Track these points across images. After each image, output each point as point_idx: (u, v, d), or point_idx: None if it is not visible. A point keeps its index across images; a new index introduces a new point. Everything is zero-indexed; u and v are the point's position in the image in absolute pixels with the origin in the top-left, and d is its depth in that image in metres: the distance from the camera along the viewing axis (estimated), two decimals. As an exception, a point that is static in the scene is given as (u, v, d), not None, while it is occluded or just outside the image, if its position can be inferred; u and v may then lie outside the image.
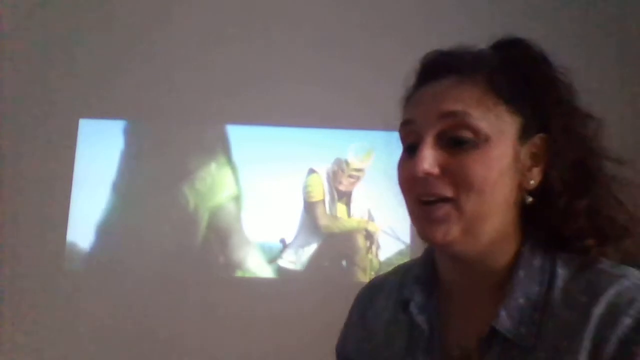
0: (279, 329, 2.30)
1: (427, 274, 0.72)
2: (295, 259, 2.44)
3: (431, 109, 0.64)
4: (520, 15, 2.40)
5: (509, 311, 0.62)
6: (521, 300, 0.62)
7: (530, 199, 0.65)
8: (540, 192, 0.65)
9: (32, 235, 2.42)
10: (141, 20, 2.57)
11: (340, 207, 2.50)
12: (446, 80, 0.65)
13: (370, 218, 2.47)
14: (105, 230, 2.45)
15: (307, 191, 2.48)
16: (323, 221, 2.47)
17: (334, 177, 2.49)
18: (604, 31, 2.49)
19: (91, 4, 2.59)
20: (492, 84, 0.64)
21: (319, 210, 2.47)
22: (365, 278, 2.40)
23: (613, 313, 0.56)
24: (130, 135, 2.53)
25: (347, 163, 2.49)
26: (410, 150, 0.66)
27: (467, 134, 0.62)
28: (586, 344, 0.56)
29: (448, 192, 0.62)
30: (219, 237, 2.45)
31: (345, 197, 2.50)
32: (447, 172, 0.62)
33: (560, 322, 0.59)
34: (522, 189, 0.65)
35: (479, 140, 0.62)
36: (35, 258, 2.40)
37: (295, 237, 2.46)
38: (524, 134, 0.65)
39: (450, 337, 0.68)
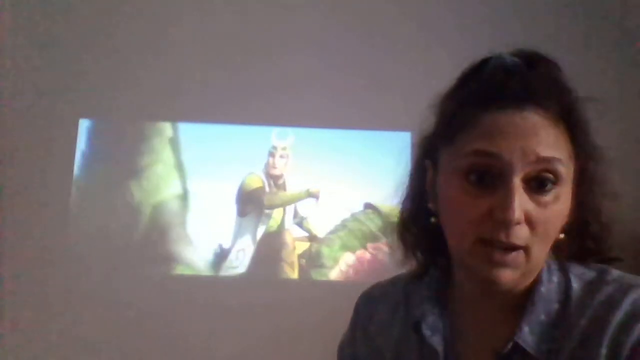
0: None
1: (439, 293, 0.73)
2: (236, 264, 2.45)
3: (525, 150, 0.60)
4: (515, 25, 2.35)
5: (531, 327, 0.63)
6: (542, 317, 0.63)
7: (562, 236, 0.65)
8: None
9: (32, 235, 2.42)
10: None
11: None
12: (528, 114, 0.61)
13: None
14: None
15: (245, 184, 2.51)
16: (266, 199, 2.51)
17: (269, 166, 2.53)
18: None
19: (91, 4, 2.59)
20: (567, 125, 0.63)
21: (259, 192, 2.51)
22: (292, 273, 2.46)
23: (629, 320, 0.58)
24: (91, 134, 2.56)
25: (274, 147, 2.53)
26: (481, 181, 0.62)
27: (550, 179, 0.61)
28: (603, 351, 0.58)
29: (522, 242, 0.60)
30: (159, 232, 2.49)
31: (281, 180, 2.54)
32: (529, 221, 0.60)
33: (578, 335, 0.61)
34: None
35: (557, 186, 0.61)
36: (35, 258, 2.40)
37: (233, 242, 2.48)
38: (575, 177, 0.64)
39: (465, 354, 0.69)
